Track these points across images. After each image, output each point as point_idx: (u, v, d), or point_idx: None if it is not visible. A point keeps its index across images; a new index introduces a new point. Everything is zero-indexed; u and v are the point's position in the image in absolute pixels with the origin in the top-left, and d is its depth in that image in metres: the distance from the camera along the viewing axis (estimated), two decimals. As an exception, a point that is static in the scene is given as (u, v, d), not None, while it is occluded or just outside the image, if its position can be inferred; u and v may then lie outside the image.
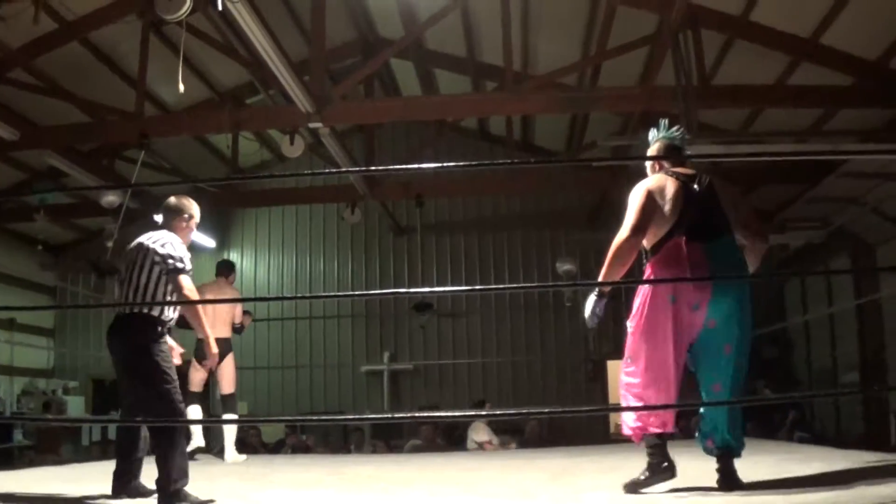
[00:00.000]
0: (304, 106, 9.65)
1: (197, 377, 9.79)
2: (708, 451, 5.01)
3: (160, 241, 5.60)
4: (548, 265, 16.38)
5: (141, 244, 5.62)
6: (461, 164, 7.33)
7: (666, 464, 4.89)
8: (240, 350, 11.05)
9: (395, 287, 16.84)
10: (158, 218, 5.95)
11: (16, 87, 10.66)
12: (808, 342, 14.73)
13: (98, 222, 14.61)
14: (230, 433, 9.83)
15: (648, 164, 5.43)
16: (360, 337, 17.40)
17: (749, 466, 5.11)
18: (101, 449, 14.20)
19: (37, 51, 10.52)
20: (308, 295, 19.80)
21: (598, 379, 16.26)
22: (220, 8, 7.50)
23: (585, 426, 15.16)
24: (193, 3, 8.13)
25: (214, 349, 6.31)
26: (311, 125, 10.24)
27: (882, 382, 11.82)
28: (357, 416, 12.42)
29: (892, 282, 11.55)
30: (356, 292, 17.64)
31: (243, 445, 11.03)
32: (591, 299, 5.06)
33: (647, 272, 5.05)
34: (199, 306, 6.10)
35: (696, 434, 5.07)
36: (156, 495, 5.13)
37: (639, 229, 4.90)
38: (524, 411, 13.61)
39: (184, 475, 5.17)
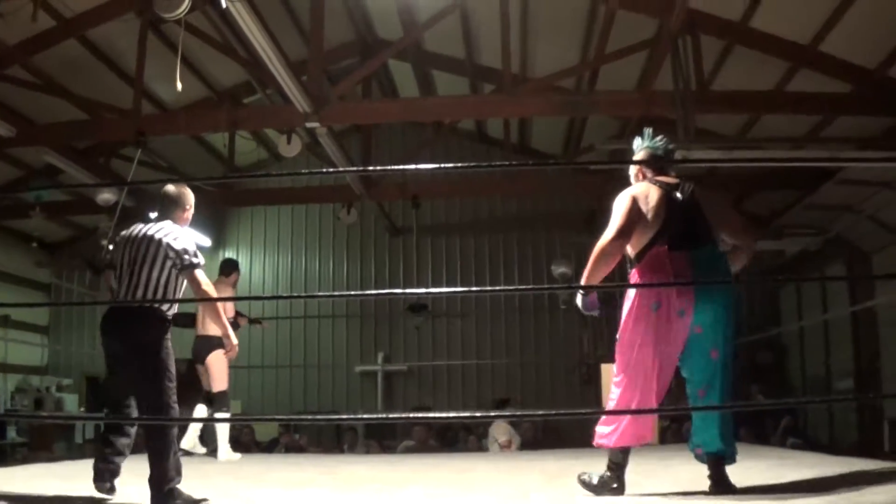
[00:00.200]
0: (302, 106, 9.65)
1: (205, 378, 9.81)
2: (699, 458, 5.03)
3: (171, 234, 5.48)
4: (543, 268, 16.38)
5: (149, 237, 5.45)
6: (458, 165, 7.38)
7: (616, 485, 4.96)
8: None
9: (390, 288, 16.80)
10: (152, 213, 5.84)
11: (13, 83, 10.63)
12: (803, 349, 14.73)
13: (94, 220, 14.60)
14: (223, 432, 9.82)
15: (632, 173, 5.52)
16: (354, 337, 17.39)
17: (741, 472, 5.11)
18: (95, 446, 14.17)
19: (34, 48, 10.49)
20: (303, 294, 19.80)
21: (592, 382, 16.26)
22: (224, 6, 7.51)
23: (580, 429, 15.16)
24: (192, 1, 8.12)
25: (234, 340, 6.20)
26: (309, 125, 10.24)
27: (876, 390, 11.83)
28: (351, 416, 12.38)
29: (887, 289, 11.55)
30: (351, 292, 17.63)
31: (237, 444, 11.02)
32: (580, 300, 5.12)
33: (633, 280, 5.11)
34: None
35: (688, 441, 5.10)
36: (149, 493, 5.12)
37: (623, 233, 4.96)
38: (519, 413, 13.61)
39: (178, 473, 5.15)
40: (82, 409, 16.14)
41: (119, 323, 5.35)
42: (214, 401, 9.77)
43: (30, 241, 15.94)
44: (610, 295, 9.05)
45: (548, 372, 16.68)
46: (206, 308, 5.72)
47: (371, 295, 15.83)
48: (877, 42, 9.07)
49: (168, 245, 5.39)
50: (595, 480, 5.00)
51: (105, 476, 5.33)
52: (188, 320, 8.91)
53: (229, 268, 10.47)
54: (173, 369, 5.33)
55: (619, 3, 10.02)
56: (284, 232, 17.91)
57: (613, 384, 5.04)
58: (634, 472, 5.07)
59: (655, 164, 5.26)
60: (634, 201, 5.02)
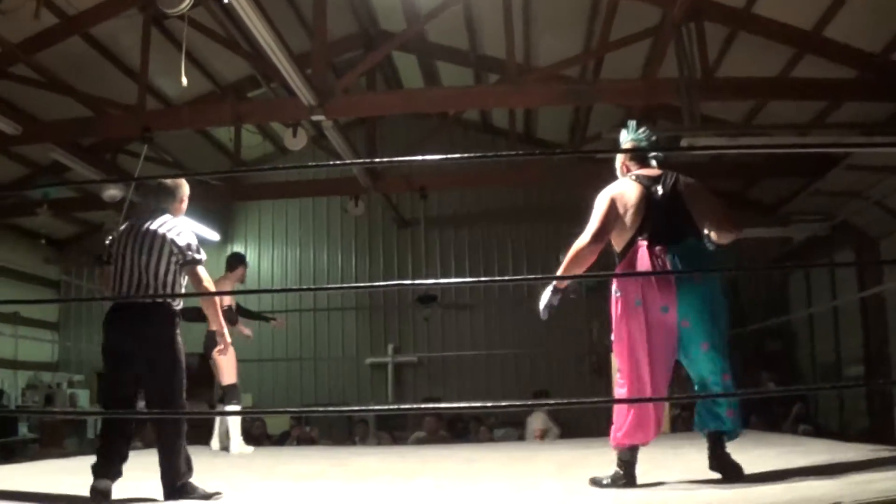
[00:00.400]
0: (307, 99, 9.64)
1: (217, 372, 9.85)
2: (705, 435, 5.09)
3: (174, 228, 5.45)
4: (551, 257, 16.35)
5: (152, 231, 5.41)
6: (464, 156, 7.35)
7: (627, 480, 4.99)
8: (244, 342, 11.06)
9: (398, 279, 16.86)
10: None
11: (17, 81, 10.65)
12: (812, 336, 14.68)
13: (101, 216, 14.64)
14: (234, 424, 9.84)
15: (617, 165, 5.60)
16: (364, 329, 17.44)
17: (752, 459, 5.12)
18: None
19: (38, 45, 10.49)
20: (312, 287, 19.83)
21: (602, 372, 16.24)
22: (226, 0, 7.51)
23: (590, 419, 15.16)
24: (195, -4, 8.12)
25: (228, 338, 6.02)
26: (314, 118, 10.21)
27: (886, 376, 11.79)
28: (361, 408, 12.41)
29: (895, 275, 11.53)
30: (360, 284, 17.63)
31: (248, 437, 11.05)
32: (548, 292, 5.29)
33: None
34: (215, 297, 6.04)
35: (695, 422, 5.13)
36: (161, 489, 5.13)
37: (598, 237, 5.11)
38: (529, 403, 13.60)
39: (189, 468, 5.17)
40: (96, 405, 16.17)
41: (131, 319, 5.28)
42: (225, 394, 9.81)
43: (38, 239, 15.95)
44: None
45: (557, 362, 16.68)
46: (205, 304, 5.66)
47: (380, 286, 15.82)
48: (881, 27, 9.04)
49: (172, 241, 5.37)
50: (606, 481, 5.03)
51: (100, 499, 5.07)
52: (196, 314, 8.98)
53: (234, 263, 10.49)
54: (184, 365, 5.33)
55: (622, -9, 10.02)
56: (292, 225, 17.94)
57: (616, 385, 5.17)
58: (645, 462, 5.08)
59: (668, 149, 5.34)
60: (612, 203, 5.13)
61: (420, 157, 9.70)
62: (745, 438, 5.33)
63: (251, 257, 17.19)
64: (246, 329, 10.57)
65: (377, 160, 14.59)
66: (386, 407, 10.45)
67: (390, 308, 17.37)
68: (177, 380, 5.24)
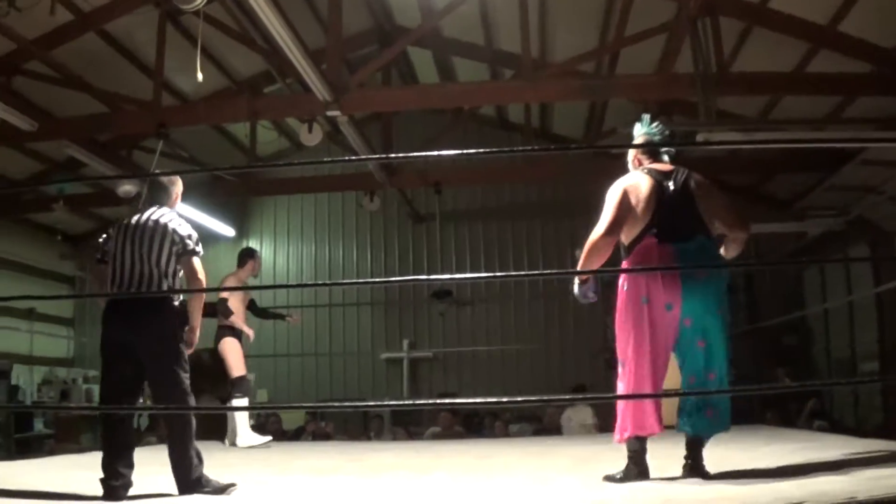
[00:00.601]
0: (322, 94, 9.65)
1: None
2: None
3: (174, 220, 5.48)
4: (567, 253, 16.34)
5: (153, 220, 5.44)
6: (479, 151, 7.35)
7: (639, 471, 5.00)
8: (260, 337, 11.08)
9: (413, 274, 16.80)
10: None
11: (33, 78, 10.70)
12: (828, 331, 14.65)
13: (116, 212, 14.66)
14: (241, 418, 9.87)
15: (630, 159, 5.62)
16: (379, 324, 17.45)
17: (767, 454, 5.13)
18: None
19: (53, 42, 10.54)
20: (327, 282, 19.86)
21: (616, 367, 16.20)
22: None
23: (606, 414, 15.14)
24: (210, -9, 8.15)
25: (195, 339, 5.64)
26: (329, 113, 10.25)
27: (902, 371, 11.77)
28: (377, 403, 12.41)
29: (910, 270, 11.50)
30: (375, 279, 17.62)
31: (263, 432, 11.05)
32: (576, 289, 5.32)
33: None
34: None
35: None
36: (175, 482, 5.15)
37: (613, 228, 5.10)
38: (545, 398, 13.61)
39: (200, 460, 5.19)
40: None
41: (134, 313, 5.29)
42: (232, 387, 9.84)
43: (53, 234, 16.03)
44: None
45: (572, 357, 16.65)
46: (193, 296, 5.63)
47: (395, 282, 15.78)
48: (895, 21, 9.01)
49: (174, 230, 5.40)
50: (618, 476, 5.04)
51: (119, 493, 5.11)
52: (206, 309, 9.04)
53: (244, 258, 10.55)
54: (186, 357, 5.38)
55: (637, -14, 10.01)
56: (307, 220, 17.95)
57: (618, 379, 5.17)
58: (653, 458, 5.07)
59: (679, 144, 5.35)
60: (625, 194, 5.11)
61: (435, 153, 9.66)
62: (759, 434, 5.36)
63: (266, 253, 17.23)
64: (248, 328, 10.55)
65: (392, 155, 14.54)
66: (401, 402, 10.45)
67: (405, 303, 17.37)
68: (179, 375, 5.26)
